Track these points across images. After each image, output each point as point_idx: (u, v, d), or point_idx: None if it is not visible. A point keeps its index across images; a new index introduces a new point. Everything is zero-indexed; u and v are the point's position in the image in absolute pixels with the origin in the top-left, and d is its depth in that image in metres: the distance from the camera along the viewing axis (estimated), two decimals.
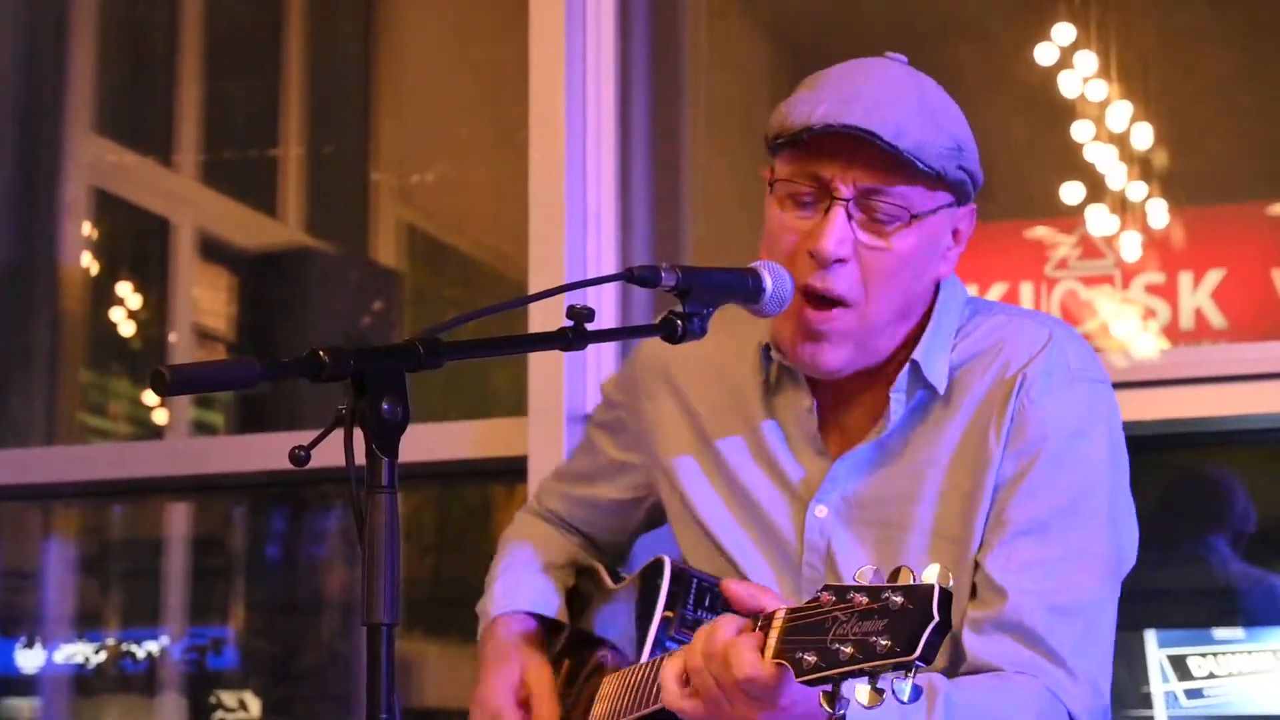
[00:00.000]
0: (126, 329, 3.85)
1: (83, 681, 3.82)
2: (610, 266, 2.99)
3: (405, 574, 3.29)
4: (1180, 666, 3.27)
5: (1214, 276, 3.32)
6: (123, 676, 3.78)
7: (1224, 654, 3.24)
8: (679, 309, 1.53)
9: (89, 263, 3.87)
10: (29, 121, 3.78)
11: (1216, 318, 3.33)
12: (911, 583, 1.31)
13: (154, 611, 3.85)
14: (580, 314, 1.45)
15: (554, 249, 2.94)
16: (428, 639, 3.63)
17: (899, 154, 1.67)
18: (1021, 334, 1.84)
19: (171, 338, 3.84)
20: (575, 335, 1.43)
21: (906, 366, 1.82)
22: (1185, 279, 3.35)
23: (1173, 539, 3.46)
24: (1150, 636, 3.25)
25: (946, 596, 1.29)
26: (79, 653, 3.80)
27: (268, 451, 3.12)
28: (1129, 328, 3.40)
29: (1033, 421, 1.79)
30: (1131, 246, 3.39)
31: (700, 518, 2.00)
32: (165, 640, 3.81)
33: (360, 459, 1.28)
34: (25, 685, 3.89)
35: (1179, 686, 3.24)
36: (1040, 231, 3.51)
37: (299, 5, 3.93)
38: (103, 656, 3.80)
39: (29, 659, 3.82)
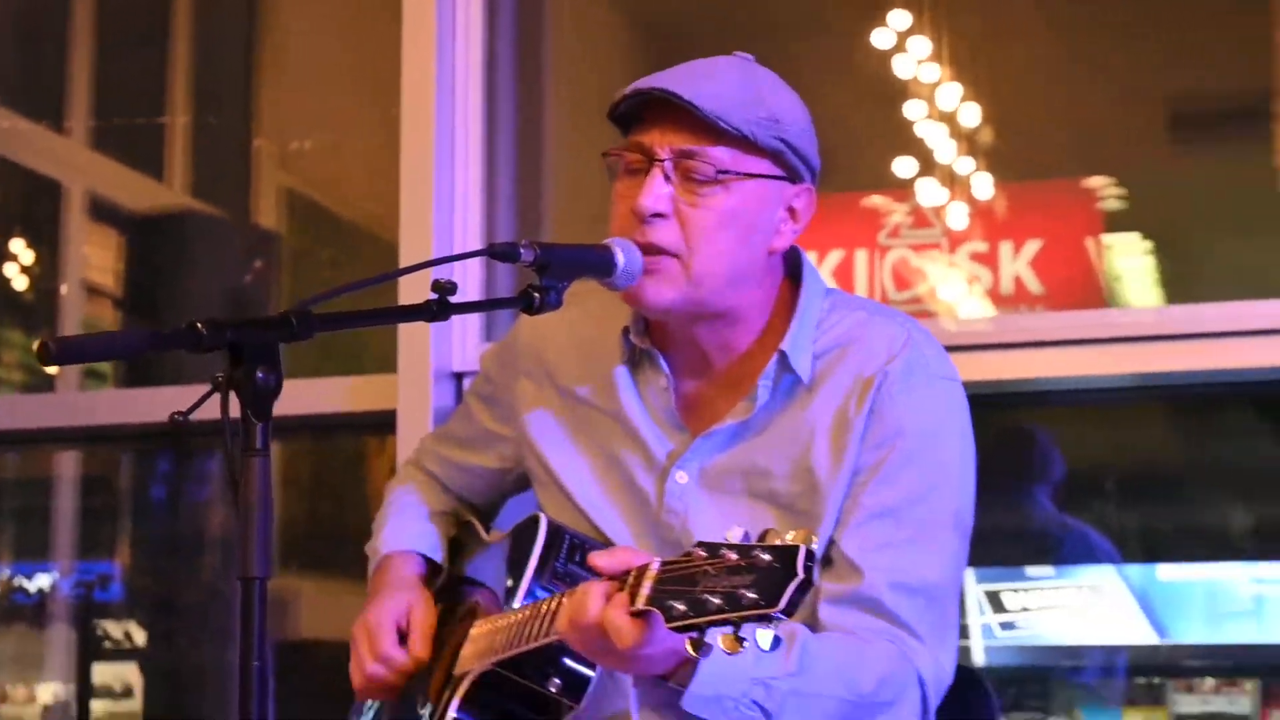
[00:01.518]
0: (20, 283, 3.94)
1: None
2: (476, 242, 3.14)
3: (284, 515, 3.17)
4: (995, 601, 3.65)
5: (1032, 246, 3.49)
6: (14, 608, 3.96)
7: (1034, 590, 3.64)
8: (537, 282, 1.64)
9: None
10: None
11: (1034, 284, 3.49)
12: (779, 543, 1.39)
13: (44, 548, 4.01)
14: (444, 288, 1.55)
15: (423, 225, 3.07)
16: (304, 575, 3.76)
17: (702, 115, 1.77)
18: (882, 332, 1.97)
19: (62, 290, 3.93)
20: (439, 308, 1.55)
21: (775, 356, 1.92)
22: (1006, 248, 3.49)
23: (991, 487, 4.00)
24: (970, 574, 3.59)
25: (811, 556, 1.36)
26: None
27: (154, 404, 3.25)
28: (955, 291, 3.57)
29: (890, 416, 1.90)
30: (958, 217, 3.55)
31: (565, 486, 2.10)
32: (55, 575, 3.97)
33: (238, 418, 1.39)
34: None
35: (994, 619, 3.63)
36: (875, 201, 3.64)
37: None
38: None
39: None
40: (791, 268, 2.02)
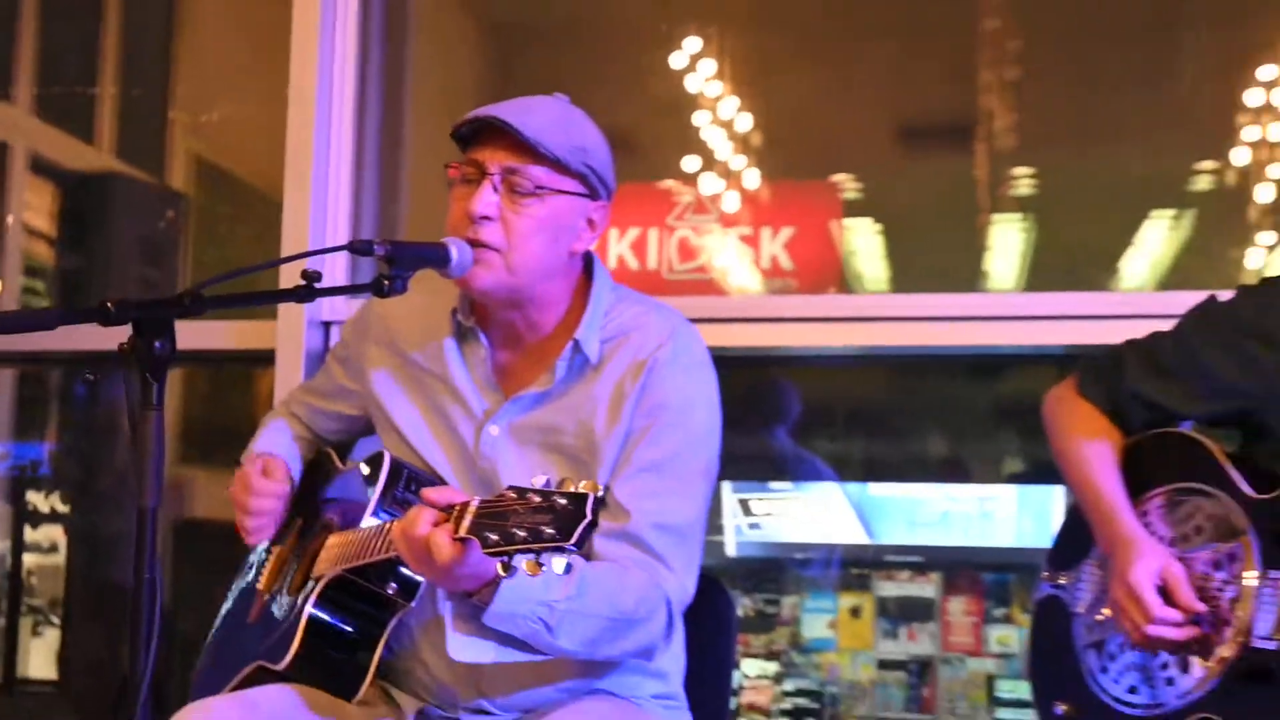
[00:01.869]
0: None
1: None
2: (345, 230, 3.37)
3: (185, 416, 3.07)
4: (745, 507, 4.18)
5: (786, 231, 3.86)
6: None
7: (775, 499, 4.18)
8: (387, 272, 1.87)
9: None
10: None
11: (786, 262, 3.87)
12: (573, 490, 1.66)
13: None
14: (310, 276, 1.79)
15: (301, 220, 3.30)
16: (198, 466, 3.98)
17: (525, 140, 2.04)
18: (655, 324, 2.26)
19: (7, 230, 4.09)
20: (306, 292, 1.79)
21: (570, 343, 2.20)
22: (766, 232, 3.88)
23: (746, 422, 4.05)
24: (726, 486, 4.19)
25: (600, 502, 1.64)
26: None
27: (84, 335, 3.85)
28: (726, 263, 3.92)
29: (657, 392, 2.19)
30: (731, 204, 3.93)
31: (401, 431, 2.35)
32: None
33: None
34: None
35: (744, 521, 4.18)
36: (666, 188, 3.93)
37: None
38: None
39: None
40: (587, 267, 2.30)
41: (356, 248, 1.87)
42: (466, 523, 1.70)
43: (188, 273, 4.17)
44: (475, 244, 2.08)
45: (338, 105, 3.41)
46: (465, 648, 2.10)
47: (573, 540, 1.59)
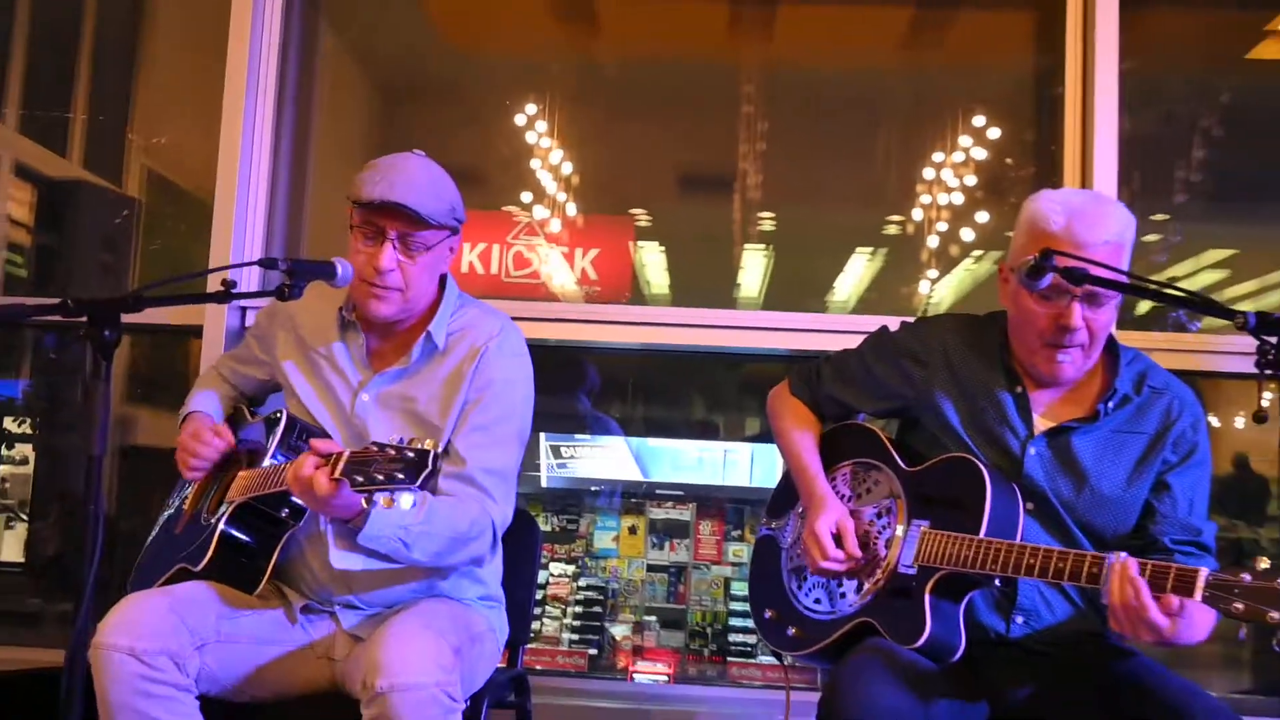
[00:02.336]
0: None
1: None
2: (259, 246, 3.60)
3: (132, 367, 3.44)
4: (556, 451, 4.53)
5: (594, 251, 4.25)
6: None
7: (577, 446, 4.54)
8: (288, 282, 2.04)
9: None
10: None
11: (593, 273, 4.24)
12: (420, 446, 1.87)
13: None
14: (228, 284, 1.99)
15: (224, 235, 3.56)
16: (140, 406, 4.15)
17: (417, 216, 2.27)
18: (487, 323, 2.44)
19: None
20: (224, 296, 2.03)
21: (424, 334, 2.38)
22: (579, 252, 4.25)
23: (559, 392, 4.36)
24: (543, 436, 4.48)
25: (438, 457, 1.86)
26: None
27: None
28: (549, 273, 4.24)
29: (487, 373, 2.39)
30: (554, 228, 4.26)
31: (299, 396, 2.49)
32: None
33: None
34: None
35: (554, 461, 4.53)
36: (506, 212, 4.29)
37: (91, 21, 4.36)
38: None
39: None
40: (441, 279, 2.47)
41: (265, 263, 2.04)
42: (340, 467, 1.93)
43: (137, 260, 4.29)
44: (379, 284, 2.30)
45: (258, 143, 3.62)
46: (343, 559, 2.28)
47: (417, 483, 1.84)
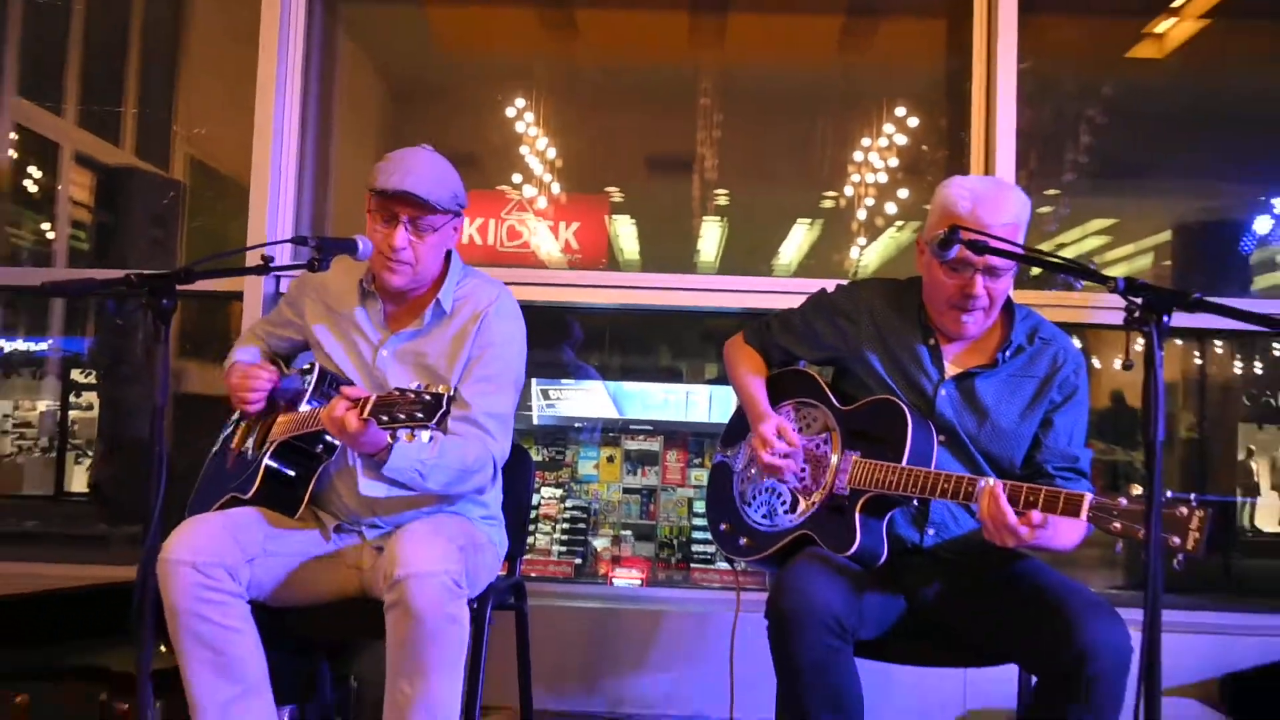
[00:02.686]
0: (33, 187, 4.39)
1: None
2: (289, 226, 3.57)
3: (180, 328, 3.27)
4: (545, 394, 4.47)
5: (575, 224, 4.24)
6: (26, 360, 4.51)
7: (564, 390, 4.48)
8: (317, 256, 2.03)
9: (18, 157, 4.32)
10: None
11: (575, 244, 4.23)
12: (435, 391, 1.89)
13: (43, 329, 4.47)
14: (266, 259, 2.00)
15: (260, 215, 3.55)
16: (190, 359, 4.08)
17: (425, 202, 2.28)
18: (488, 290, 2.46)
19: (60, 199, 4.36)
20: (264, 269, 2.03)
21: (434, 301, 2.39)
22: (562, 225, 4.22)
23: (548, 345, 4.34)
24: (534, 382, 4.36)
25: (450, 400, 1.88)
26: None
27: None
28: (538, 244, 4.20)
29: (488, 334, 2.40)
30: (541, 205, 4.23)
31: (326, 351, 2.49)
32: (49, 345, 4.52)
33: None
34: None
35: (544, 403, 4.47)
36: (500, 191, 4.24)
37: (138, 28, 4.29)
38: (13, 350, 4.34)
39: None
40: (447, 255, 2.47)
41: (297, 241, 2.07)
42: (368, 409, 1.98)
43: (183, 235, 4.27)
44: (395, 258, 2.32)
45: (287, 135, 3.59)
46: (370, 487, 2.35)
47: (434, 421, 1.87)
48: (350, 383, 2.35)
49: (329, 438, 2.30)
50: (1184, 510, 1.66)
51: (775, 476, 2.38)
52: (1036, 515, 1.89)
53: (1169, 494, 1.67)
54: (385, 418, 1.90)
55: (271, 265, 2.02)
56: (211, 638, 2.11)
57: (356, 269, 2.45)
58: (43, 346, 4.48)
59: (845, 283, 2.54)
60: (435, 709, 2.06)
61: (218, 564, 2.13)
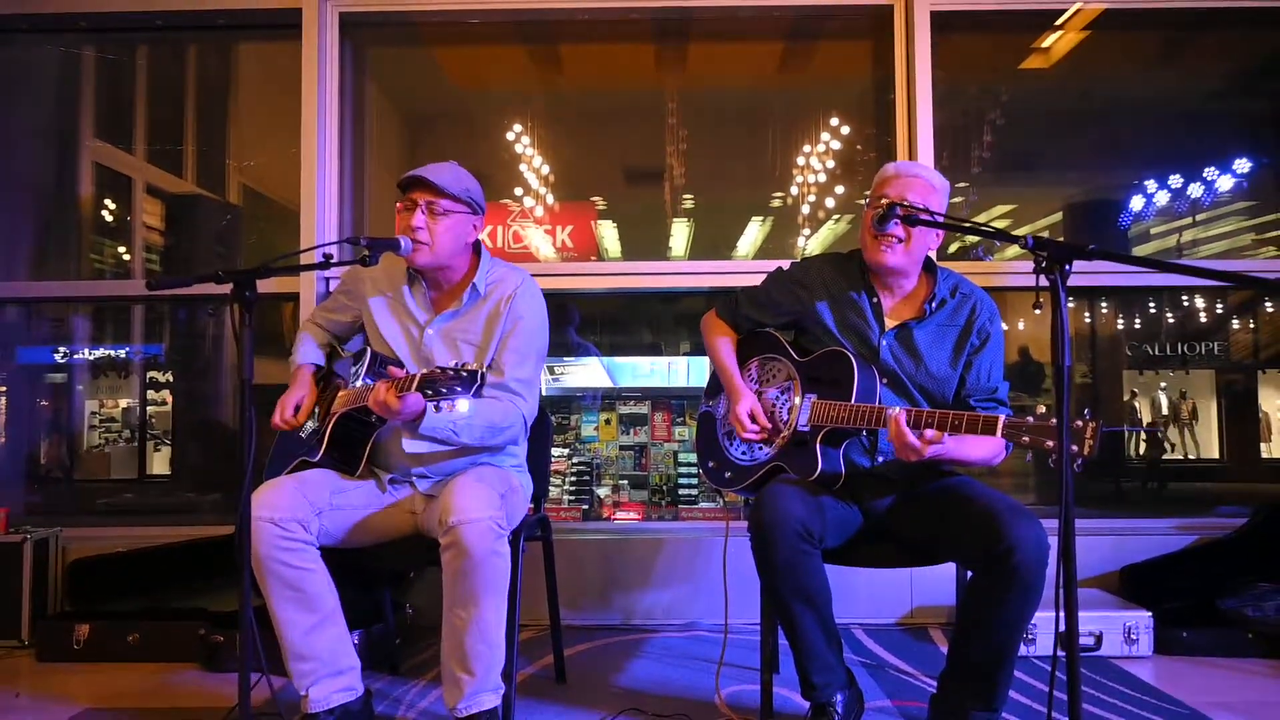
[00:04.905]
0: (110, 217, 4.40)
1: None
2: (334, 232, 3.62)
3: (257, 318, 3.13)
4: (551, 370, 4.46)
5: (569, 228, 4.28)
6: (110, 363, 4.50)
7: (567, 367, 4.53)
8: (366, 254, 2.04)
9: (97, 191, 4.32)
10: (64, 131, 4.23)
11: (569, 244, 4.27)
12: (471, 367, 1.92)
13: (127, 337, 4.54)
14: (328, 256, 2.02)
15: (311, 223, 3.62)
16: (279, 362, 3.81)
17: (435, 186, 2.29)
18: (514, 277, 2.45)
19: (134, 225, 4.37)
20: (326, 264, 2.04)
21: (470, 286, 2.39)
22: (559, 228, 4.28)
23: (554, 329, 4.03)
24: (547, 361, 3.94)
25: (483, 376, 1.92)
26: None
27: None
28: (537, 245, 4.25)
29: (517, 312, 2.39)
30: (540, 212, 4.26)
31: (380, 331, 2.47)
32: (129, 350, 4.50)
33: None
34: None
35: (550, 378, 4.46)
36: (504, 203, 4.28)
37: (194, 76, 4.27)
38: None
39: None
40: (477, 249, 2.46)
41: (351, 241, 2.07)
42: (415, 384, 2.00)
43: (241, 249, 4.28)
44: (415, 241, 2.31)
45: (328, 163, 3.67)
46: (413, 445, 2.32)
47: (471, 392, 1.92)
48: (398, 363, 2.35)
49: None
50: (1080, 423, 1.70)
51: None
52: (930, 433, 1.96)
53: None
54: (430, 390, 1.92)
55: (333, 261, 2.04)
56: (291, 577, 2.15)
57: (401, 262, 2.46)
58: (123, 352, 4.50)
59: (798, 260, 2.58)
60: (485, 629, 2.10)
61: (292, 519, 2.15)
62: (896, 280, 2.36)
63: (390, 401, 2.02)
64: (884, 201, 2.24)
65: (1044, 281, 1.67)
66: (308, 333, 2.65)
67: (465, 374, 1.88)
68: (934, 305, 2.33)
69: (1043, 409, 1.80)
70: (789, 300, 2.48)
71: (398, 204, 2.33)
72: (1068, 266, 1.70)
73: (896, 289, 2.38)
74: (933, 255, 2.38)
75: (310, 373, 2.53)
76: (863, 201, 4.02)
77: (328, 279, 3.51)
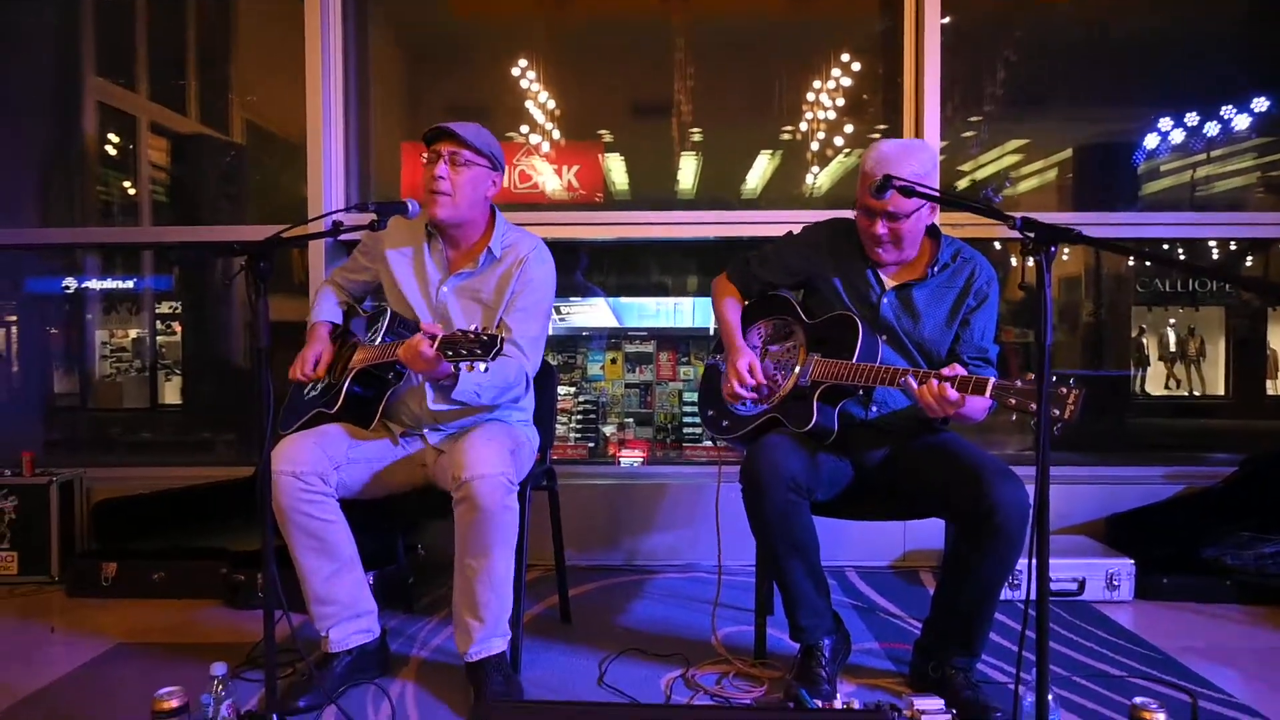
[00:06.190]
0: (113, 153, 4.43)
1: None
2: (340, 179, 3.66)
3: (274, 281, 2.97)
4: (558, 310, 4.44)
5: (576, 167, 4.22)
6: (123, 296, 4.55)
7: (574, 307, 4.49)
8: (375, 219, 2.02)
9: (100, 130, 4.38)
10: (65, 71, 4.25)
11: (575, 183, 4.23)
12: (492, 331, 1.97)
13: (137, 269, 4.55)
14: (338, 224, 2.01)
15: (317, 161, 3.70)
16: (287, 299, 3.91)
17: (458, 137, 2.35)
18: (527, 241, 2.53)
19: (140, 164, 4.42)
20: (335, 231, 2.02)
21: (485, 248, 2.46)
22: (565, 167, 4.24)
23: (563, 271, 3.78)
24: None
25: (502, 341, 1.96)
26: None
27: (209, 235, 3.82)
28: (544, 183, 4.22)
29: (527, 274, 2.47)
30: (546, 150, 4.23)
31: (399, 286, 2.53)
32: (138, 281, 4.54)
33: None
34: None
35: (557, 317, 4.47)
36: (510, 140, 4.25)
37: (194, 11, 4.28)
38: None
39: None
40: (493, 213, 2.54)
41: (360, 207, 2.05)
42: (436, 344, 2.05)
43: (246, 187, 4.35)
44: (437, 192, 2.36)
45: (333, 105, 3.72)
46: (437, 403, 2.45)
47: (490, 356, 1.96)
48: (416, 325, 2.40)
49: (398, 368, 2.41)
50: (1063, 390, 1.78)
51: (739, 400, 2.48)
52: (955, 394, 2.04)
53: (1054, 378, 1.77)
54: (450, 352, 1.97)
55: (342, 228, 2.06)
56: (313, 528, 2.25)
57: (422, 220, 2.52)
58: (129, 285, 4.57)
59: (810, 225, 2.66)
60: (495, 579, 2.22)
61: (311, 472, 2.24)
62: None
63: (427, 352, 2.07)
64: (874, 218, 2.39)
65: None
66: (328, 289, 2.72)
67: (486, 338, 1.93)
68: (936, 268, 2.42)
69: (1031, 376, 1.88)
70: (798, 261, 2.58)
71: (423, 154, 2.41)
72: (1053, 248, 1.78)
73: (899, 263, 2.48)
74: (936, 222, 2.48)
75: (328, 330, 2.60)
76: (874, 136, 4.13)
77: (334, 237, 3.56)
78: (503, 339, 1.94)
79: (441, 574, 2.84)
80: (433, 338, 2.05)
